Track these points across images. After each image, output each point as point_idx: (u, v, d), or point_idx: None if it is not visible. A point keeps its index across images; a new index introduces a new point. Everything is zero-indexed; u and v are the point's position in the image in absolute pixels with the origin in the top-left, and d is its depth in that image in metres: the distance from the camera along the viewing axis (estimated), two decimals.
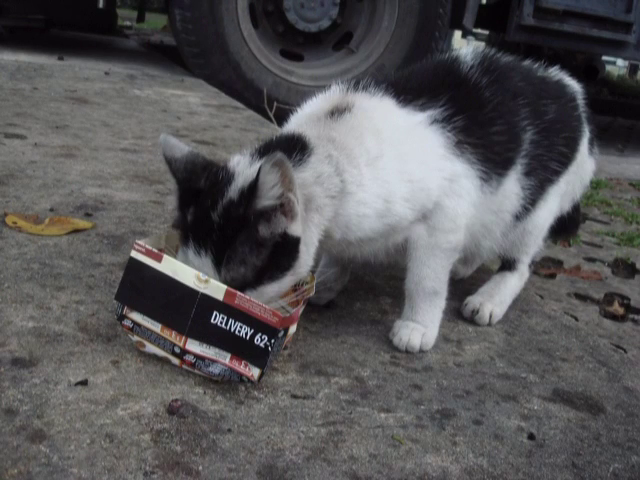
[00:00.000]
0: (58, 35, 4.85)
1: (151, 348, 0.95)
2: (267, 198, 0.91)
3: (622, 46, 4.46)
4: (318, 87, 1.07)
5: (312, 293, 1.06)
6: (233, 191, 0.94)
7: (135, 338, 0.96)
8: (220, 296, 0.92)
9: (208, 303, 0.92)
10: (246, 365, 0.92)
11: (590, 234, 2.75)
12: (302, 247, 0.97)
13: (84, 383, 0.89)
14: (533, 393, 1.08)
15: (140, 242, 0.96)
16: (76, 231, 1.35)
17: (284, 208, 0.93)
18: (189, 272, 0.93)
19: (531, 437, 0.96)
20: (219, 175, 0.97)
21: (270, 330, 0.91)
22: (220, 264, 0.92)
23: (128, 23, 8.12)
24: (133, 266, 0.95)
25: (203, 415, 0.87)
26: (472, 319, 1.29)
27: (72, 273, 1.18)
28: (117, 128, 2.27)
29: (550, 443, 0.95)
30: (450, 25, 4.16)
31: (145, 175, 1.81)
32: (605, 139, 5.40)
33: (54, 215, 1.41)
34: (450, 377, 1.08)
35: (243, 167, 0.98)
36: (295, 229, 0.95)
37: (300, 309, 1.01)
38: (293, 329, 0.98)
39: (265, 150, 1.01)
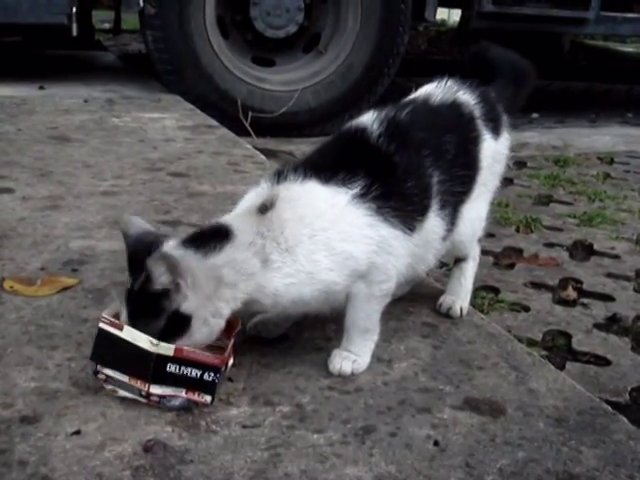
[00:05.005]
0: (38, 55, 5.01)
1: (122, 393, 1.22)
2: (158, 284, 1.16)
3: (583, 23, 4.63)
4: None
5: (238, 328, 1.30)
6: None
7: (109, 387, 1.22)
8: (170, 353, 1.19)
9: (162, 359, 1.19)
10: (199, 394, 1.20)
11: (552, 217, 2.92)
12: (196, 320, 1.20)
13: (78, 432, 1.13)
14: (446, 403, 1.28)
15: (105, 315, 1.23)
16: (65, 289, 1.59)
17: (176, 290, 1.17)
18: (144, 338, 1.19)
19: (436, 444, 1.16)
20: (152, 252, 1.19)
21: (215, 368, 1.20)
22: (133, 319, 1.20)
23: (106, 26, 8.13)
24: (102, 334, 1.23)
25: (171, 450, 1.11)
26: (447, 314, 1.62)
27: (64, 332, 1.42)
28: (97, 168, 2.50)
29: (451, 447, 1.17)
30: (412, 19, 4.32)
31: None
32: (578, 109, 5.52)
33: (45, 273, 1.65)
34: (377, 396, 1.30)
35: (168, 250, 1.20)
36: (186, 307, 1.19)
37: (231, 344, 1.27)
38: (231, 360, 1.27)
39: (192, 238, 1.25)
